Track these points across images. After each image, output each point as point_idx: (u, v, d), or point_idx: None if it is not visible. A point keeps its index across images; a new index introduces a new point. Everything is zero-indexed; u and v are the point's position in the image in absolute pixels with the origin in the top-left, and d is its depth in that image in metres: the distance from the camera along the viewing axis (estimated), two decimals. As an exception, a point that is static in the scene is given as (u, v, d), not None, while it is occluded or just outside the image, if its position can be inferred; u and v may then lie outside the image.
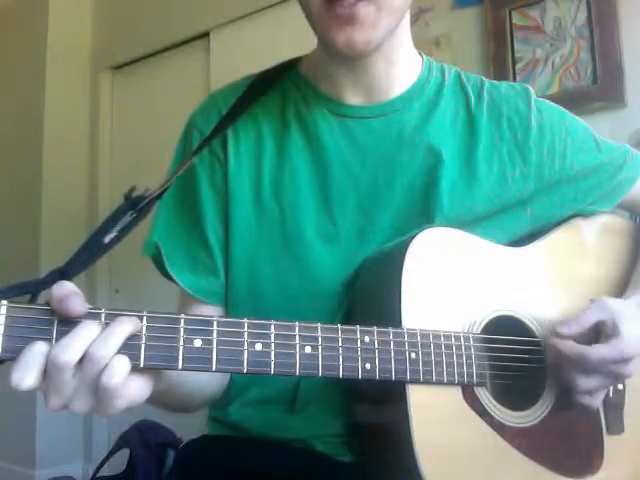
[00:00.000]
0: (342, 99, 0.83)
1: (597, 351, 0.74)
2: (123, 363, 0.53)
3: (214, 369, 0.58)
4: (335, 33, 0.72)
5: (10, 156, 3.29)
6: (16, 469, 2.98)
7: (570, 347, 0.75)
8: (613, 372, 0.75)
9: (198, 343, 0.58)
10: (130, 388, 0.55)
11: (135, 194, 0.74)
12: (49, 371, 0.52)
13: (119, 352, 0.54)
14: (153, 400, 0.64)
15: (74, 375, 0.53)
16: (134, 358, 0.55)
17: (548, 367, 0.78)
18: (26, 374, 0.51)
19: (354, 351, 0.65)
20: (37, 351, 0.51)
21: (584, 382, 0.75)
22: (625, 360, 0.75)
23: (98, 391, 0.53)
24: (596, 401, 0.77)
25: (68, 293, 0.53)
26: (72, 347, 0.52)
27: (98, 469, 2.31)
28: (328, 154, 0.82)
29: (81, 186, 3.30)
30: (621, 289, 0.89)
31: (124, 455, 2.25)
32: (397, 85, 0.84)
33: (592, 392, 0.76)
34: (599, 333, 0.76)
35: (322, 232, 0.81)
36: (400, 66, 0.83)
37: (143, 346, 0.56)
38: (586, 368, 0.74)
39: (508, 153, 0.85)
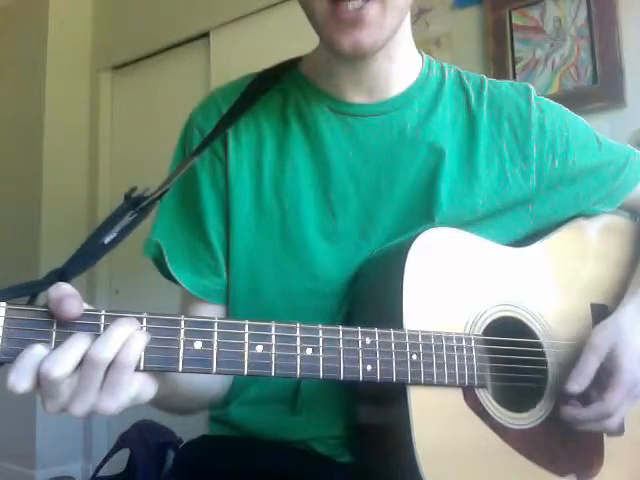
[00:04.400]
0: (343, 97, 0.83)
1: (614, 398, 0.75)
2: (132, 355, 0.54)
3: (214, 371, 0.58)
4: (341, 36, 0.71)
5: (10, 156, 3.28)
6: (16, 469, 2.97)
7: (589, 413, 0.75)
8: (631, 403, 0.77)
9: (198, 345, 0.57)
10: (135, 384, 0.55)
11: (135, 194, 0.73)
12: (42, 382, 0.51)
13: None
14: (158, 403, 0.64)
15: (71, 380, 0.52)
16: (134, 360, 0.55)
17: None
18: (22, 378, 0.51)
19: (355, 353, 0.65)
20: (34, 355, 0.51)
21: (612, 425, 0.77)
22: (636, 385, 0.76)
23: (104, 385, 0.53)
24: (616, 424, 0.79)
25: (64, 295, 0.53)
26: (63, 360, 0.51)
27: (98, 469, 2.31)
28: (329, 152, 0.82)
29: (81, 186, 3.30)
30: (621, 289, 0.89)
31: (124, 455, 2.25)
32: (397, 83, 0.84)
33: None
34: (601, 371, 0.76)
35: (323, 230, 0.80)
36: (399, 62, 0.83)
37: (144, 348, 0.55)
38: (609, 417, 0.76)
39: (509, 151, 0.84)
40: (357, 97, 0.83)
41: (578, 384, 0.75)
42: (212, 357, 0.58)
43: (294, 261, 0.80)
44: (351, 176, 0.82)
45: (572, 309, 0.84)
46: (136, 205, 0.72)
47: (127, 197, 0.73)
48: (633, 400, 0.77)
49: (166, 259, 0.82)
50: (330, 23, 0.72)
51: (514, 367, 0.76)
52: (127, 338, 0.54)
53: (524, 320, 0.79)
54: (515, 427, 0.75)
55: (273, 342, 0.61)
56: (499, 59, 2.08)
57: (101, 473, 2.31)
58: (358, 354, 0.65)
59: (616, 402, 0.75)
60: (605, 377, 0.76)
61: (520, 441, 0.74)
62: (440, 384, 0.69)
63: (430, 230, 0.75)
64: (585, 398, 0.77)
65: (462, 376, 0.71)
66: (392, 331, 0.67)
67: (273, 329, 0.61)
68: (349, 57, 0.74)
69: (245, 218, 0.81)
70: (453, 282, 0.75)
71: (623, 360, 0.76)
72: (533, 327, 0.80)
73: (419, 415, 0.67)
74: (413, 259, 0.72)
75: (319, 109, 0.83)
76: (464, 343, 0.72)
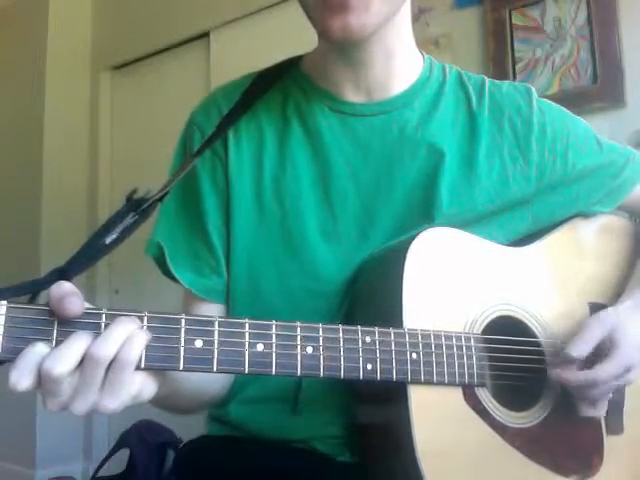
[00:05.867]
0: (343, 97, 0.83)
1: (605, 370, 0.75)
2: (133, 352, 0.54)
3: (215, 370, 0.58)
4: (330, 21, 0.72)
5: (10, 156, 3.29)
6: (16, 469, 2.98)
7: (579, 375, 0.75)
8: (618, 383, 0.77)
9: (199, 344, 0.58)
10: (136, 381, 0.55)
11: (137, 196, 0.74)
12: (43, 381, 0.52)
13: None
14: (158, 402, 0.64)
15: (72, 378, 0.53)
16: (135, 358, 0.55)
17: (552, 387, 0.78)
18: (23, 376, 0.51)
19: (355, 351, 0.65)
20: (35, 353, 0.51)
21: (592, 399, 0.77)
22: (629, 370, 0.76)
23: (105, 383, 0.53)
24: (601, 412, 0.79)
25: (66, 293, 0.53)
26: (65, 358, 0.51)
27: (98, 469, 2.31)
28: (329, 152, 0.82)
29: (81, 186, 3.30)
30: (620, 289, 0.89)
31: (124, 455, 2.25)
32: (398, 82, 0.84)
33: (597, 404, 0.78)
34: (598, 349, 0.77)
35: (323, 230, 0.81)
36: (400, 61, 0.83)
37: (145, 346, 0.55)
38: (595, 387, 0.75)
39: (509, 153, 0.85)
40: (357, 97, 0.83)
41: (579, 350, 0.75)
42: (213, 356, 0.58)
43: (294, 261, 0.80)
44: (351, 176, 0.82)
45: (570, 308, 0.85)
46: (137, 207, 0.73)
47: (129, 199, 0.73)
48: (621, 382, 0.77)
49: (167, 259, 0.82)
50: (321, 10, 0.72)
51: (513, 366, 0.76)
52: (128, 336, 0.54)
53: (523, 319, 0.80)
54: (515, 426, 0.75)
55: (274, 341, 0.61)
56: (499, 59, 2.08)
57: (101, 473, 2.31)
58: (358, 353, 0.65)
59: (604, 375, 0.75)
60: (601, 355, 0.76)
61: (520, 440, 0.74)
62: (440, 383, 0.69)
63: (429, 230, 0.75)
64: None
65: (462, 375, 0.71)
66: (392, 330, 0.67)
67: (274, 328, 0.61)
68: (341, 42, 0.74)
69: (245, 217, 0.81)
70: (452, 281, 0.75)
71: (621, 342, 0.76)
72: (532, 326, 0.80)
73: (419, 414, 0.67)
74: (412, 258, 0.72)
75: (319, 108, 0.83)
76: (464, 342, 0.72)
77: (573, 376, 0.75)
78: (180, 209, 0.84)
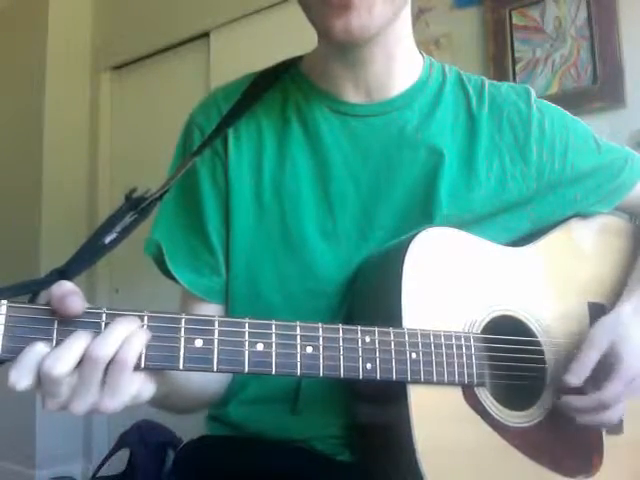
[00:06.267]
0: (343, 97, 0.83)
1: (610, 389, 0.75)
2: (132, 352, 0.54)
3: (215, 369, 0.58)
4: (332, 21, 0.71)
5: (10, 156, 3.28)
6: (16, 469, 2.97)
7: (587, 401, 0.76)
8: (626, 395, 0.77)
9: (199, 343, 0.58)
10: (135, 381, 0.55)
11: (136, 195, 0.74)
12: (43, 380, 0.52)
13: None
14: (157, 402, 0.64)
15: (72, 378, 0.53)
16: (135, 358, 0.55)
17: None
18: (23, 376, 0.51)
19: (355, 351, 0.65)
20: (35, 352, 0.51)
21: (610, 419, 0.77)
22: (633, 380, 0.76)
23: (105, 383, 0.53)
24: (615, 418, 0.79)
25: (67, 292, 0.53)
26: (65, 358, 0.52)
27: (98, 469, 2.31)
28: (329, 152, 0.82)
29: (81, 186, 3.30)
30: (619, 289, 0.89)
31: (124, 455, 2.25)
32: (398, 83, 0.84)
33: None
34: (601, 364, 0.77)
35: (322, 230, 0.81)
36: (400, 62, 0.83)
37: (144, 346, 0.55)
38: (606, 407, 0.76)
39: (509, 153, 0.85)
40: (356, 97, 0.83)
41: (577, 376, 0.76)
42: (213, 355, 0.58)
43: (294, 261, 0.80)
44: (350, 176, 0.82)
45: (570, 308, 0.85)
46: (137, 206, 0.73)
47: (127, 198, 0.73)
48: (631, 394, 0.78)
49: (166, 258, 0.82)
50: (323, 10, 0.72)
51: (513, 365, 0.76)
52: (127, 336, 0.54)
53: (522, 319, 0.80)
54: (515, 425, 0.75)
55: (273, 340, 0.61)
56: (499, 59, 2.08)
57: (101, 473, 2.31)
58: (358, 353, 0.65)
59: (614, 393, 0.75)
60: (604, 370, 0.76)
61: (520, 439, 0.74)
62: (440, 382, 0.69)
63: (428, 229, 0.75)
64: (583, 392, 0.77)
65: (461, 374, 0.71)
66: (392, 330, 0.67)
67: (273, 327, 0.61)
68: (342, 42, 0.74)
69: (245, 217, 0.81)
70: (452, 281, 0.75)
71: (623, 354, 0.76)
72: (531, 326, 0.80)
73: (419, 413, 0.67)
74: (412, 258, 0.72)
75: (319, 109, 0.83)
76: (463, 341, 0.72)
77: (582, 402, 0.76)
78: (179, 208, 0.84)
